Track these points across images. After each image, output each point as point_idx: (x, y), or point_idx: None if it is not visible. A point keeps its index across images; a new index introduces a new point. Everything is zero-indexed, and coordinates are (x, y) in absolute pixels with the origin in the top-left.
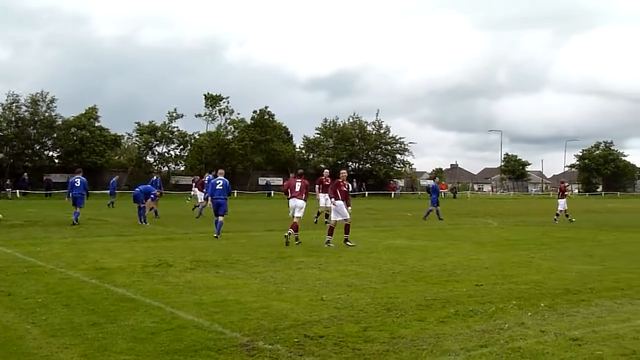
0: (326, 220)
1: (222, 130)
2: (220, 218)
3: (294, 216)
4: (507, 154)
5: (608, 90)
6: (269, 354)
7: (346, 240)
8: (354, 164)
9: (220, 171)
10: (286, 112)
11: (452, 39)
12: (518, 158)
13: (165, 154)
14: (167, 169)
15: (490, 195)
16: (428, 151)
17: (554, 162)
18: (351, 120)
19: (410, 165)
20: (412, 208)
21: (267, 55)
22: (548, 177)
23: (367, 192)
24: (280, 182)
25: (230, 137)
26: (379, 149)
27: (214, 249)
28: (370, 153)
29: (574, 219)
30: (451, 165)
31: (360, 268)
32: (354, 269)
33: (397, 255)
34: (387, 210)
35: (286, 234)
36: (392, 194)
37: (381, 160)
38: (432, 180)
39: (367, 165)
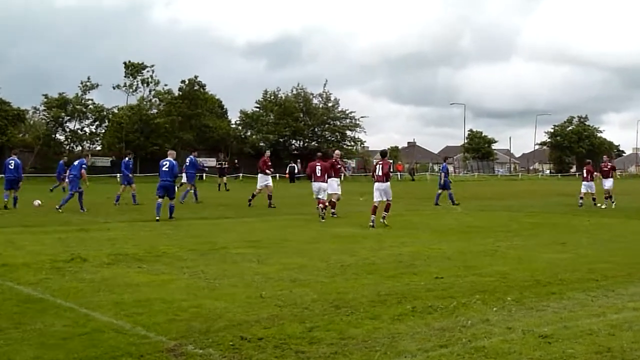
0: (333, 211)
1: (145, 103)
2: (172, 201)
3: (318, 198)
4: (471, 130)
5: (582, 59)
6: (200, 359)
7: (333, 214)
8: (298, 142)
9: (171, 152)
10: (220, 83)
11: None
12: (483, 135)
13: (79, 131)
14: (80, 148)
15: (452, 177)
16: (383, 127)
17: (523, 140)
18: (295, 92)
19: (362, 143)
20: (364, 191)
21: (198, 16)
22: (517, 156)
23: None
24: (213, 163)
25: (154, 111)
26: (327, 125)
27: (135, 240)
28: (316, 129)
29: (604, 205)
30: (408, 143)
31: (305, 260)
32: (298, 262)
33: (347, 245)
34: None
35: (320, 212)
36: (342, 176)
37: (329, 138)
38: (445, 162)
39: (313, 143)
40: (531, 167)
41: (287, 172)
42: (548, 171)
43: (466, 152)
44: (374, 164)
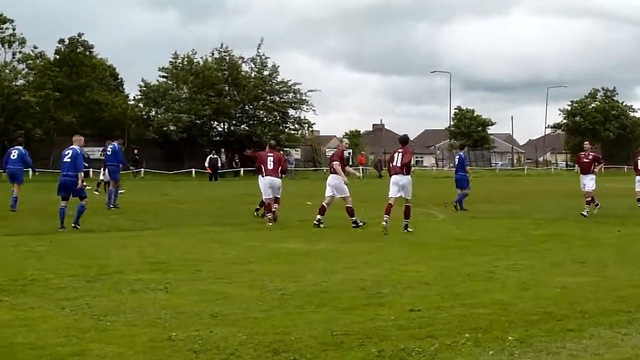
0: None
1: (7, 72)
2: (82, 201)
3: (268, 198)
4: (459, 109)
5: (608, 11)
6: None
7: (318, 223)
8: (223, 124)
9: (77, 138)
10: (113, 44)
11: None
12: (476, 115)
13: None
14: None
15: (434, 172)
16: (338, 104)
17: (530, 121)
18: (217, 56)
19: (311, 126)
20: (314, 192)
21: None
22: (521, 143)
23: (242, 170)
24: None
25: (21, 82)
26: (262, 102)
27: None
28: (247, 107)
29: None
30: (374, 126)
31: (231, 288)
32: (221, 290)
33: (290, 266)
34: None
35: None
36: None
37: (265, 119)
38: (460, 151)
39: (244, 126)
40: (541, 159)
41: (206, 165)
42: (563, 164)
43: (453, 139)
44: (392, 152)
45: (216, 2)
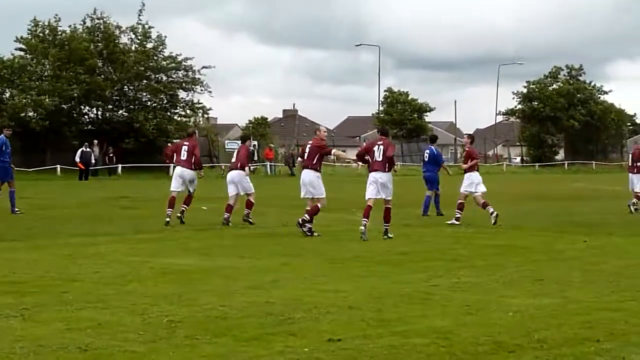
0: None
1: None
2: None
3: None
4: (389, 90)
5: None
6: None
7: (304, 225)
8: (96, 109)
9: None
10: None
11: None
12: (410, 98)
13: None
14: None
15: (358, 169)
16: (241, 84)
17: (477, 107)
18: (88, 24)
19: (207, 112)
20: (210, 195)
21: None
22: (466, 132)
23: (120, 166)
24: None
25: None
26: (145, 81)
27: None
28: (127, 88)
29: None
30: (285, 112)
31: (105, 314)
32: (93, 316)
33: (179, 287)
34: (159, 199)
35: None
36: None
37: (149, 103)
38: (429, 144)
39: (122, 112)
40: (490, 153)
41: (77, 160)
42: (518, 159)
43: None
44: (369, 144)
45: None
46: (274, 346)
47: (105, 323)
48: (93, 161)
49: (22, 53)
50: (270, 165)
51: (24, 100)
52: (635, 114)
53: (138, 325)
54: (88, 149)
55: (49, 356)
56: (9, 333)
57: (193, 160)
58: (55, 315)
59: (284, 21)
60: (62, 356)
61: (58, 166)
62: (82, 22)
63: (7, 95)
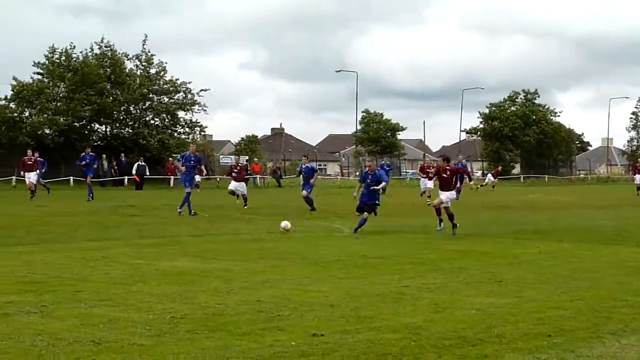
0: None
1: None
2: None
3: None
4: (366, 112)
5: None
6: None
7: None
8: (106, 127)
9: None
10: None
11: None
12: (385, 119)
13: None
14: None
15: (338, 182)
16: (236, 105)
17: (444, 128)
18: (98, 50)
19: (203, 129)
20: (209, 203)
21: None
22: (434, 150)
23: (126, 178)
24: None
25: None
26: (148, 102)
27: None
28: (132, 109)
29: None
30: (273, 130)
31: (114, 311)
32: (104, 313)
33: (180, 287)
34: (161, 208)
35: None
36: (172, 180)
37: (152, 122)
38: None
39: (128, 129)
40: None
41: (134, 173)
42: (479, 173)
43: (360, 144)
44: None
45: None
46: (265, 340)
47: (115, 319)
48: (102, 173)
49: (39, 77)
50: (258, 177)
51: (41, 119)
52: (582, 133)
53: (144, 321)
54: (143, 163)
55: (66, 349)
56: (30, 328)
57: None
58: (71, 312)
59: (276, 56)
60: (78, 349)
61: (71, 177)
62: (90, 49)
63: (27, 114)
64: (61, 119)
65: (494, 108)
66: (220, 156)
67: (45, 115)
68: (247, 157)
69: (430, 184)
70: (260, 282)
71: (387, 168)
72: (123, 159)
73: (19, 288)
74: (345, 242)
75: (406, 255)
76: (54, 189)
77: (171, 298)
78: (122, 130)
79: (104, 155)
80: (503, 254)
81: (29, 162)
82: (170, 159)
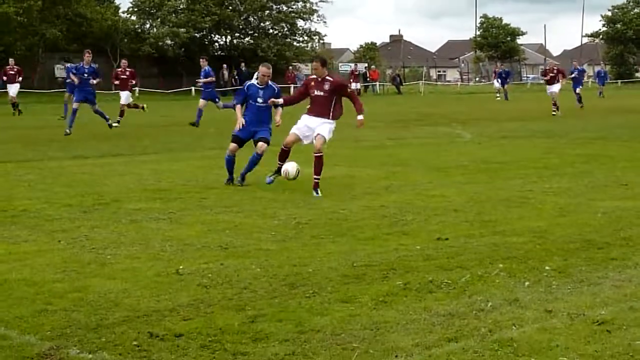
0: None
1: None
2: None
3: None
4: (485, 17)
5: None
6: None
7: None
8: (225, 37)
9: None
10: None
11: None
12: (504, 23)
13: None
14: None
15: (458, 88)
16: (353, 13)
17: (563, 30)
18: None
19: (322, 38)
20: None
21: None
22: (555, 54)
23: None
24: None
25: None
26: (268, 12)
27: None
28: (252, 19)
29: None
30: (392, 37)
31: (240, 217)
32: (230, 219)
33: (303, 193)
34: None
35: None
36: (292, 88)
37: (271, 31)
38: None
39: (247, 39)
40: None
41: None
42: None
43: (479, 50)
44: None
45: None
46: (390, 244)
47: (240, 225)
48: (223, 82)
49: None
50: (378, 84)
51: (163, 31)
52: None
53: (270, 226)
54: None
55: (194, 253)
56: (159, 234)
57: None
58: (197, 219)
59: None
60: (206, 254)
61: (192, 88)
62: None
63: (148, 26)
64: (182, 30)
65: (616, 10)
66: (340, 64)
67: (167, 27)
68: (365, 65)
69: (556, 87)
70: (383, 187)
71: (505, 76)
72: (244, 69)
73: (147, 195)
74: (467, 148)
75: (529, 159)
76: (175, 100)
77: (295, 204)
78: (242, 41)
79: (224, 65)
80: (629, 158)
81: (11, 72)
82: (290, 68)
